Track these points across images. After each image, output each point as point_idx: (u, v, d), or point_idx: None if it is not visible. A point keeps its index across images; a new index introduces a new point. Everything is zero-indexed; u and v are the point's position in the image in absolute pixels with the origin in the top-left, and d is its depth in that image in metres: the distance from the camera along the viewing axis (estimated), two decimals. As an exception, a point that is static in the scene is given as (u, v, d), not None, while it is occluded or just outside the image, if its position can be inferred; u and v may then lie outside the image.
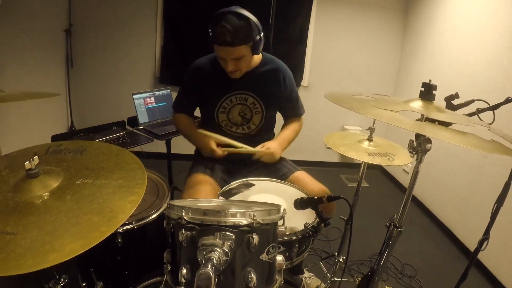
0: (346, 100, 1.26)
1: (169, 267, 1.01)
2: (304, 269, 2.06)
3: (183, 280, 0.88)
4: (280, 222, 1.01)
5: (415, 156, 1.25)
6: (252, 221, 0.88)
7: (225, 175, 1.88)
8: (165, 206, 1.53)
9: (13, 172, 1.01)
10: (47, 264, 0.71)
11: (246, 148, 1.75)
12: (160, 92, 2.82)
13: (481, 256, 2.10)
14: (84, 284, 1.40)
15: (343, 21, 3.93)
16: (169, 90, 2.90)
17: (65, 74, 3.90)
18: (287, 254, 1.32)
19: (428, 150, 1.20)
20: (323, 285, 1.69)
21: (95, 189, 0.91)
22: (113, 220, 0.82)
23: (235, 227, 0.87)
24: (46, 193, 0.91)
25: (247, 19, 1.56)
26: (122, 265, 1.52)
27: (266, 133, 1.98)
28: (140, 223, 1.43)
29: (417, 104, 1.25)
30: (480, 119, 1.36)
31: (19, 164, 1.00)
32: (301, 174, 1.86)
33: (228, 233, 0.86)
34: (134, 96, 2.61)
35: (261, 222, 0.89)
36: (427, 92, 1.25)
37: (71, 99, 3.99)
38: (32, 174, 0.92)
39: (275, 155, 1.79)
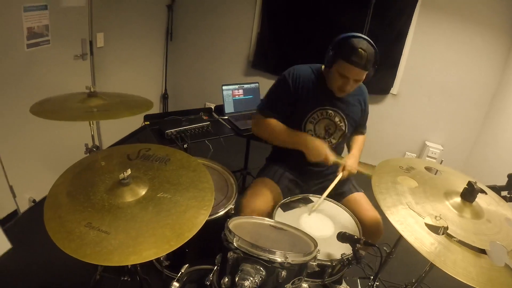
0: (389, 185, 1.29)
1: (218, 268, 1.26)
2: (343, 280, 2.21)
3: (223, 286, 1.14)
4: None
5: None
6: (284, 261, 1.08)
7: (291, 184, 1.99)
8: (230, 207, 1.75)
9: (109, 165, 1.32)
10: (128, 262, 0.98)
11: (336, 181, 1.84)
12: (249, 86, 3.00)
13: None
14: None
15: (443, 34, 3.72)
16: (257, 84, 3.06)
17: (164, 46, 4.38)
18: (320, 274, 1.51)
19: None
20: (353, 301, 1.85)
21: (171, 205, 1.16)
22: (181, 236, 1.06)
23: (270, 262, 1.09)
24: (133, 201, 1.17)
25: (376, 50, 1.70)
26: (184, 243, 1.82)
27: (338, 150, 2.04)
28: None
29: (454, 203, 1.20)
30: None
31: (114, 160, 1.33)
32: (359, 196, 1.95)
33: (262, 268, 1.08)
34: (224, 87, 2.82)
35: (291, 262, 1.09)
36: (470, 192, 1.18)
37: (167, 69, 4.47)
38: (125, 183, 1.19)
39: (354, 171, 1.88)
